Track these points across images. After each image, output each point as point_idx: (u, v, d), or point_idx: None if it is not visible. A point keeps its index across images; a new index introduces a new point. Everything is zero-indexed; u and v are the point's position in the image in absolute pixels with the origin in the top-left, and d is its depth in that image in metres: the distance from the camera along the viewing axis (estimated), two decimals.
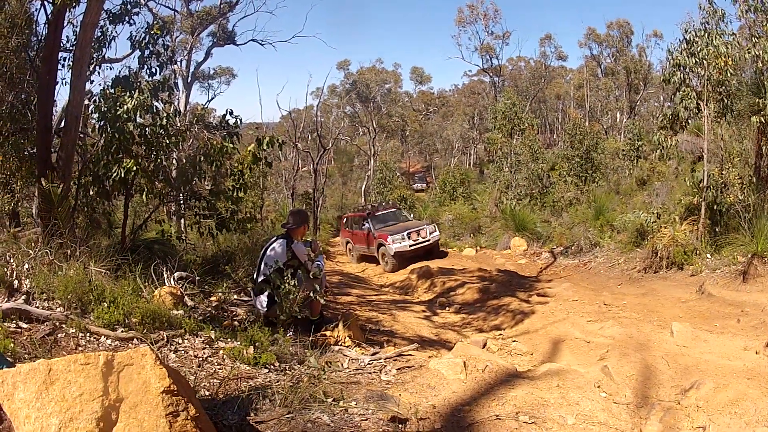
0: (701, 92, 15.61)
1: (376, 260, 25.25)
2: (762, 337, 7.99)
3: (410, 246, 23.54)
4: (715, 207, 15.48)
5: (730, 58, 15.15)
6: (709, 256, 14.69)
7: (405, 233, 23.82)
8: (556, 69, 79.33)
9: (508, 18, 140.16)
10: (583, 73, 73.22)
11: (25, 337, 5.37)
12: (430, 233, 24.76)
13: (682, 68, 16.01)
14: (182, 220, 16.78)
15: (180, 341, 6.38)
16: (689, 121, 16.93)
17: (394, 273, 23.08)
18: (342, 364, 6.70)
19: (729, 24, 15.84)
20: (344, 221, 30.15)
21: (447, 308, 14.23)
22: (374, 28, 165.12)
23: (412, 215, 30.05)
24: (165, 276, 8.69)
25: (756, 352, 7.35)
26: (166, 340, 6.21)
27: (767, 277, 12.34)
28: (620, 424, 5.45)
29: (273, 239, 8.83)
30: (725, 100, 15.66)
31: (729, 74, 15.23)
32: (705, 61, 15.22)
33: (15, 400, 3.30)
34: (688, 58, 15.72)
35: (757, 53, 14.71)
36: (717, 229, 15.29)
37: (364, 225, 26.44)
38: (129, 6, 12.15)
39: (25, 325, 5.66)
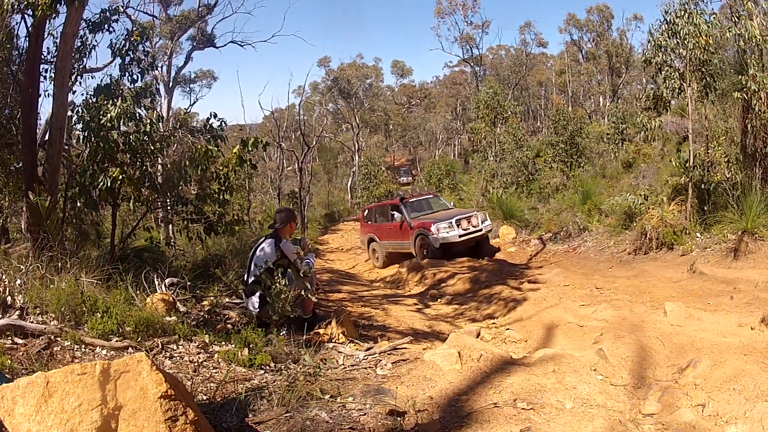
0: (683, 72, 15.67)
1: (408, 259, 21.13)
2: (756, 312, 7.99)
3: (460, 236, 19.87)
4: (702, 186, 15.57)
5: (711, 38, 15.22)
6: (698, 234, 14.81)
7: (453, 220, 20.16)
8: (537, 56, 79.76)
9: (487, 7, 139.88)
10: (565, 59, 73.70)
11: (21, 353, 5.36)
12: (482, 222, 21.03)
13: (663, 49, 16.07)
14: (170, 226, 16.77)
15: (175, 347, 6.41)
16: (672, 102, 17.00)
17: (384, 268, 22.18)
18: (337, 361, 6.73)
19: (709, 3, 15.97)
20: (366, 213, 26.03)
21: (439, 300, 14.13)
22: (353, 23, 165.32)
23: (452, 203, 25.28)
24: (156, 283, 8.70)
25: (751, 328, 7.37)
26: (160, 346, 6.24)
27: (758, 254, 12.42)
28: (619, 406, 5.49)
29: (261, 240, 8.86)
30: (707, 79, 15.72)
31: (711, 53, 15.30)
32: (686, 41, 15.28)
33: (15, 415, 3.32)
34: (670, 38, 15.81)
35: (739, 32, 14.77)
36: (705, 208, 15.40)
37: (394, 215, 22.55)
38: (108, 14, 12.06)
39: (20, 341, 5.65)
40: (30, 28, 10.42)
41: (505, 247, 22.75)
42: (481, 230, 20.76)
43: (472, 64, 71.25)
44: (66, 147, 11.50)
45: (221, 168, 11.49)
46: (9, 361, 4.97)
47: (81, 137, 10.73)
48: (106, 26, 12.04)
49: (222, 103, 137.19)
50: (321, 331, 8.14)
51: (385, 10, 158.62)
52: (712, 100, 16.63)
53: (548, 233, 22.63)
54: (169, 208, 12.26)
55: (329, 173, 74.38)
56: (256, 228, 23.52)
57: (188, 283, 9.39)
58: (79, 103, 11.08)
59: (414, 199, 23.68)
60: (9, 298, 6.48)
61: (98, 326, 6.10)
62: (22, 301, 6.51)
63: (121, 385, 3.54)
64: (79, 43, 11.85)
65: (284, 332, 7.57)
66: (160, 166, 12.51)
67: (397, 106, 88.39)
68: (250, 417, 4.71)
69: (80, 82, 12.77)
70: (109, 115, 10.20)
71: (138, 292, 7.90)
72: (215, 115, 11.97)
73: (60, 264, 7.68)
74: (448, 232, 19.85)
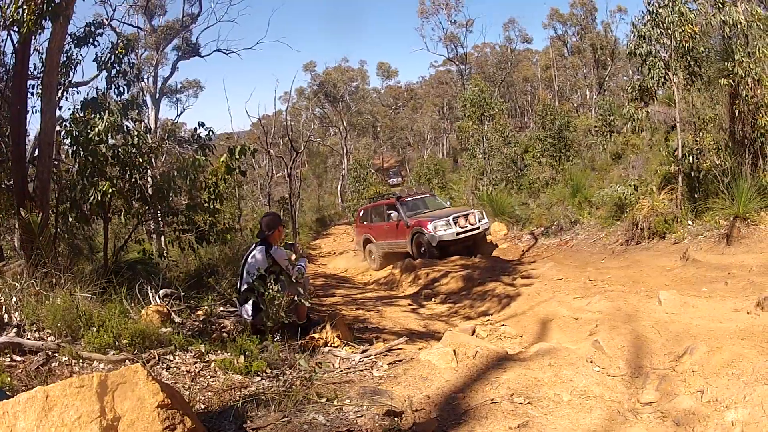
0: (669, 61, 15.72)
1: (404, 259, 20.28)
2: (751, 297, 8.00)
3: (457, 234, 19.48)
4: (692, 174, 15.64)
5: (696, 26, 15.28)
6: (690, 222, 14.87)
7: (450, 218, 19.74)
8: (522, 52, 79.42)
9: (471, 5, 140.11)
10: (550, 54, 73.45)
11: (20, 370, 5.38)
12: (479, 220, 20.62)
13: (647, 40, 16.12)
14: (162, 238, 16.78)
15: (171, 358, 6.43)
16: (659, 91, 17.05)
17: (380, 270, 21.73)
18: (333, 365, 6.75)
19: None
20: (361, 214, 25.52)
21: (433, 299, 14.13)
22: (337, 27, 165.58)
23: (449, 202, 25.11)
24: (150, 295, 8.70)
25: (747, 313, 7.37)
26: (157, 358, 6.26)
27: (751, 238, 12.49)
28: (616, 396, 5.53)
29: (252, 247, 8.81)
30: (693, 67, 15.78)
31: (695, 41, 15.35)
32: (670, 30, 15.34)
33: (17, 430, 3.35)
34: (653, 28, 15.86)
35: (723, 18, 14.83)
36: (696, 196, 15.47)
37: (390, 215, 22.03)
38: (92, 28, 12.03)
39: (18, 358, 5.67)
40: (16, 45, 10.41)
41: (497, 243, 22.71)
42: (478, 228, 20.45)
43: (457, 63, 71.07)
44: (55, 162, 11.46)
45: (210, 177, 11.48)
46: (9, 379, 4.98)
47: (70, 152, 10.74)
48: (91, 40, 12.02)
49: (209, 112, 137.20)
50: (316, 335, 8.11)
51: (369, 12, 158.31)
52: (699, 87, 16.70)
53: (540, 228, 22.65)
54: (160, 219, 12.26)
55: (319, 177, 74.16)
56: (248, 236, 23.17)
57: (182, 294, 9.36)
58: (66, 117, 11.07)
59: (410, 198, 23.47)
60: (5, 316, 6.50)
61: (95, 340, 6.11)
62: (18, 319, 6.53)
63: (118, 397, 3.59)
64: (64, 58, 11.82)
65: (279, 338, 7.55)
66: (149, 178, 12.48)
67: (384, 108, 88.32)
68: (248, 424, 4.73)
69: (67, 97, 12.72)
70: (96, 129, 10.22)
71: (132, 304, 7.93)
72: (203, 125, 12.02)
73: (54, 280, 7.68)
74: (445, 230, 19.48)
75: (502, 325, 10.41)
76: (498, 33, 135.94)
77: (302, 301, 8.10)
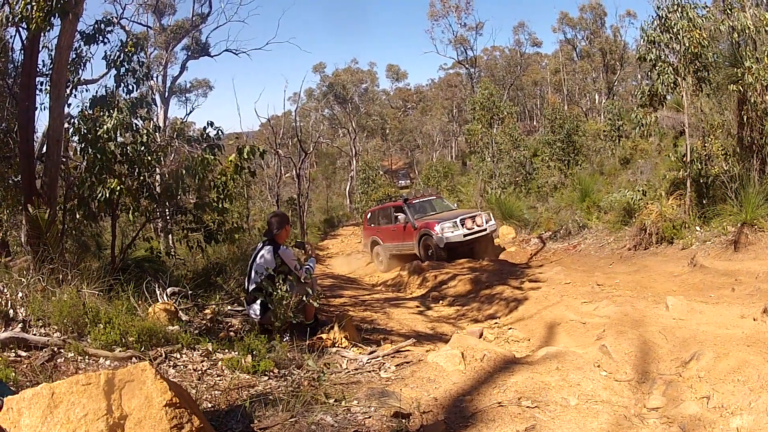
0: (678, 67, 15.67)
1: (411, 260, 20.37)
2: (758, 303, 7.98)
3: (465, 235, 19.77)
4: (700, 180, 15.62)
5: (705, 31, 15.24)
6: (698, 228, 14.84)
7: (457, 219, 20.03)
8: (532, 56, 79.41)
9: (480, 8, 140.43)
10: (559, 58, 73.40)
11: (25, 365, 5.36)
12: (486, 221, 20.83)
13: (656, 45, 16.07)
14: (170, 236, 16.74)
15: (178, 356, 6.41)
16: (668, 97, 17.00)
17: (388, 272, 21.64)
18: (341, 365, 6.72)
19: None
20: (368, 216, 25.75)
21: (440, 302, 14.05)
22: (348, 28, 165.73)
23: (456, 204, 25.18)
24: (158, 293, 8.67)
25: (754, 319, 7.35)
26: (164, 356, 6.24)
27: (758, 245, 12.47)
28: (623, 401, 5.51)
29: (260, 246, 8.76)
30: (702, 73, 15.73)
31: (704, 47, 15.31)
32: (680, 36, 15.30)
33: (21, 427, 3.33)
34: (663, 33, 15.82)
35: (732, 24, 14.80)
36: (704, 202, 15.42)
37: (398, 217, 22.43)
38: (102, 25, 11.99)
39: (24, 353, 5.65)
40: (25, 41, 10.40)
41: (505, 246, 22.69)
42: (485, 230, 20.61)
43: (466, 65, 70.92)
44: (63, 159, 11.45)
45: (219, 177, 11.45)
46: (13, 374, 4.97)
47: (78, 149, 10.70)
48: (100, 38, 11.98)
49: (218, 111, 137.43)
50: (324, 336, 8.08)
51: (379, 14, 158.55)
52: (708, 93, 16.68)
53: (548, 232, 22.61)
54: (168, 217, 12.22)
55: (328, 178, 74.07)
56: (256, 235, 23.14)
57: (190, 292, 9.31)
58: (75, 114, 11.06)
59: (417, 201, 23.52)
60: (11, 311, 6.48)
61: (101, 337, 6.10)
62: (24, 314, 6.51)
63: (126, 395, 3.55)
64: (74, 55, 11.80)
65: (287, 338, 7.53)
66: (158, 176, 12.47)
67: (393, 110, 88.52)
68: (255, 423, 4.71)
69: (75, 95, 12.69)
70: (105, 127, 10.17)
71: (140, 302, 7.90)
72: (212, 124, 11.96)
73: (61, 276, 7.67)
74: (452, 232, 19.69)
75: (510, 328, 10.44)
76: (508, 36, 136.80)
77: (310, 301, 8.08)
